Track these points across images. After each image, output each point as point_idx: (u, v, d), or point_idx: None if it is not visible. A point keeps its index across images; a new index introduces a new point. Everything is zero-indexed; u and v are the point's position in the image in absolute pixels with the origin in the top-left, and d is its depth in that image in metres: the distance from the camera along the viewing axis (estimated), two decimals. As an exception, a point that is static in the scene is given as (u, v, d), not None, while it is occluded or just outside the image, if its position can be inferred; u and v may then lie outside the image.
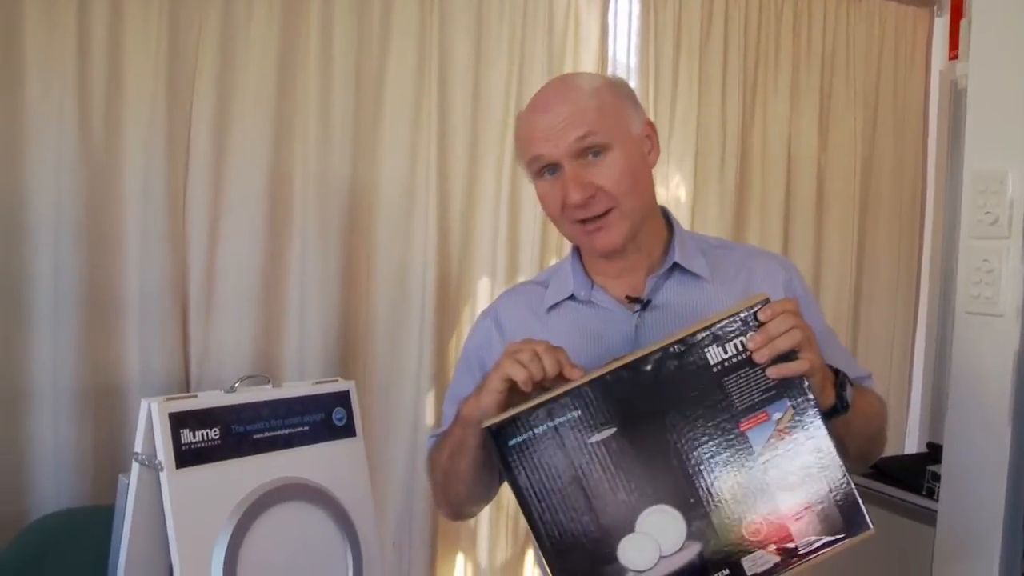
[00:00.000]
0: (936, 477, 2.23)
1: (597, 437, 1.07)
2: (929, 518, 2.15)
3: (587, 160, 1.27)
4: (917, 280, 3.26)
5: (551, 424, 1.07)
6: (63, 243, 1.97)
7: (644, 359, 1.08)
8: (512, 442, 1.07)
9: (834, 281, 3.07)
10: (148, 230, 2.06)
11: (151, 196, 2.05)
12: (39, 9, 1.93)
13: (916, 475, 2.39)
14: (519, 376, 1.11)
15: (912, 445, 3.19)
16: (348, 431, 1.70)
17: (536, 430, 1.07)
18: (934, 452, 2.54)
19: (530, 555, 2.61)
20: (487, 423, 1.08)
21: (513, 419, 1.08)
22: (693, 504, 1.06)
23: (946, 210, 3.16)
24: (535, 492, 1.07)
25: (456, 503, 1.38)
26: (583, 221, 1.29)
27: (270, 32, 2.18)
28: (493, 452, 1.09)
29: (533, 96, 1.35)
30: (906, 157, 3.18)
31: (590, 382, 1.08)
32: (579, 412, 1.07)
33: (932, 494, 2.30)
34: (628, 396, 1.07)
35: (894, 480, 2.45)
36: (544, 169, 1.30)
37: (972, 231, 1.84)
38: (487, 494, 1.38)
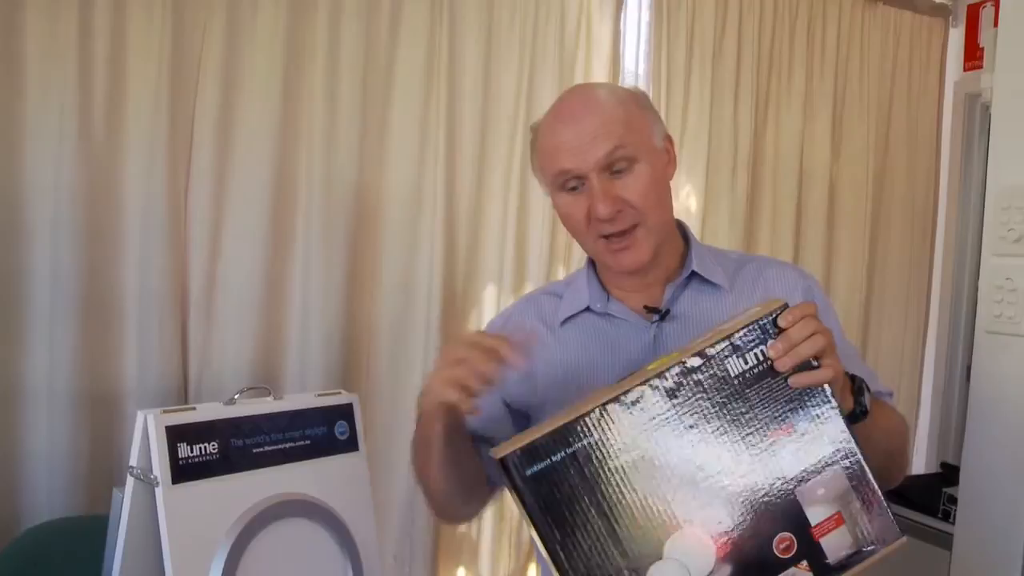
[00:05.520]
0: (952, 500, 2.19)
1: (618, 461, 1.01)
2: (945, 541, 2.12)
3: (613, 173, 1.24)
4: (928, 294, 3.23)
5: (569, 451, 1.01)
6: (61, 245, 1.93)
7: (661, 375, 1.03)
8: (529, 472, 1.00)
9: (844, 295, 3.03)
10: (148, 233, 2.01)
11: (152, 198, 2.01)
12: (40, 5, 1.89)
13: (931, 497, 2.35)
14: (453, 398, 1.06)
15: (920, 464, 3.15)
16: (350, 445, 1.66)
17: (553, 458, 1.01)
18: (949, 473, 2.50)
19: (532, 569, 2.57)
20: (499, 454, 1.01)
21: (527, 448, 1.01)
22: (721, 524, 1.02)
23: (959, 225, 3.13)
24: (555, 523, 1.01)
25: (442, 505, 1.33)
26: (607, 237, 1.26)
27: (276, 33, 2.14)
28: (506, 484, 1.02)
29: (554, 107, 1.31)
30: (919, 169, 3.16)
31: (607, 403, 1.02)
32: (597, 436, 1.01)
33: (948, 517, 2.27)
34: (647, 415, 1.02)
35: (908, 501, 2.41)
36: (568, 183, 1.26)
37: (995, 248, 1.81)
38: (473, 495, 1.32)
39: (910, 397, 3.18)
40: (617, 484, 1.01)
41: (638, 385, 1.02)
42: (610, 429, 1.02)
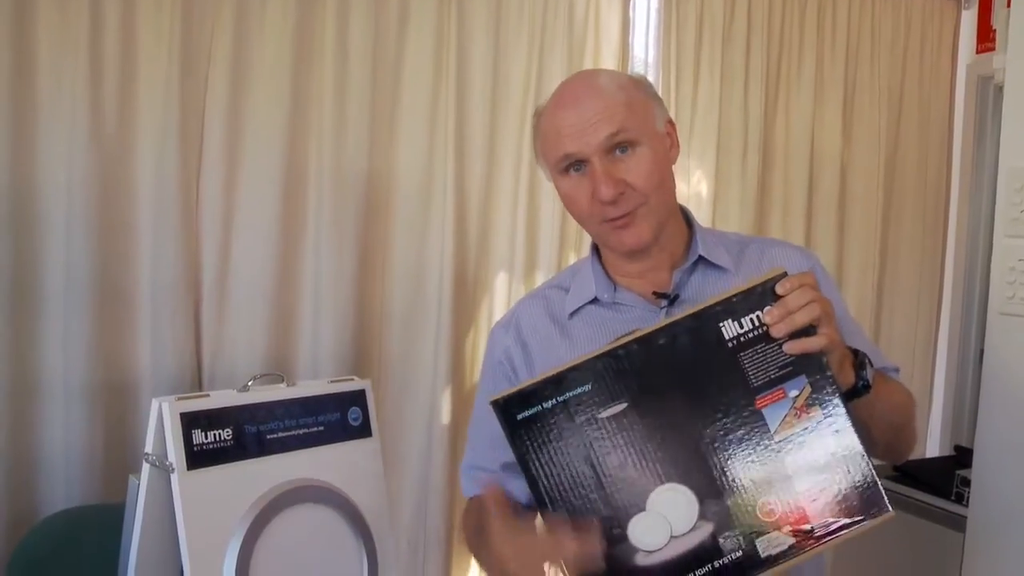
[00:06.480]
0: (966, 482, 2.18)
1: (607, 412, 1.04)
2: (958, 523, 2.12)
3: (615, 156, 1.25)
4: (941, 278, 3.20)
5: (560, 398, 1.04)
6: (74, 236, 1.94)
7: (657, 333, 1.05)
8: (520, 416, 1.04)
9: (856, 279, 3.01)
10: (160, 223, 2.03)
11: (164, 188, 2.02)
12: (51, -2, 1.91)
13: (944, 479, 2.35)
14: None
15: (934, 447, 3.14)
16: (364, 431, 1.67)
17: (545, 404, 1.05)
18: (962, 456, 2.49)
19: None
20: (493, 397, 1.06)
21: (521, 393, 1.05)
22: (706, 483, 1.03)
23: (971, 207, 3.11)
24: (543, 468, 1.05)
25: None
26: (611, 219, 1.26)
27: (285, 23, 2.15)
28: (500, 426, 1.06)
29: (556, 93, 1.31)
30: (931, 152, 3.13)
31: (601, 355, 1.05)
32: (589, 386, 1.04)
33: (961, 499, 2.26)
34: (640, 371, 1.05)
35: (921, 484, 2.41)
36: (570, 166, 1.27)
37: (1007, 229, 1.80)
38: None
39: (923, 380, 3.16)
40: (604, 435, 1.04)
41: (631, 342, 1.05)
42: (600, 381, 1.05)
